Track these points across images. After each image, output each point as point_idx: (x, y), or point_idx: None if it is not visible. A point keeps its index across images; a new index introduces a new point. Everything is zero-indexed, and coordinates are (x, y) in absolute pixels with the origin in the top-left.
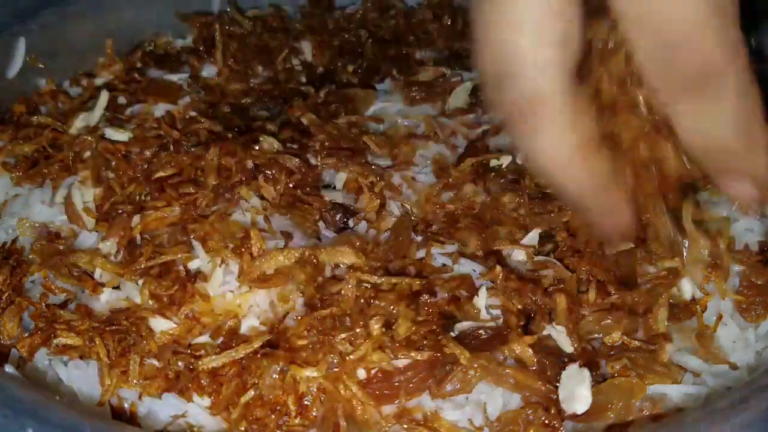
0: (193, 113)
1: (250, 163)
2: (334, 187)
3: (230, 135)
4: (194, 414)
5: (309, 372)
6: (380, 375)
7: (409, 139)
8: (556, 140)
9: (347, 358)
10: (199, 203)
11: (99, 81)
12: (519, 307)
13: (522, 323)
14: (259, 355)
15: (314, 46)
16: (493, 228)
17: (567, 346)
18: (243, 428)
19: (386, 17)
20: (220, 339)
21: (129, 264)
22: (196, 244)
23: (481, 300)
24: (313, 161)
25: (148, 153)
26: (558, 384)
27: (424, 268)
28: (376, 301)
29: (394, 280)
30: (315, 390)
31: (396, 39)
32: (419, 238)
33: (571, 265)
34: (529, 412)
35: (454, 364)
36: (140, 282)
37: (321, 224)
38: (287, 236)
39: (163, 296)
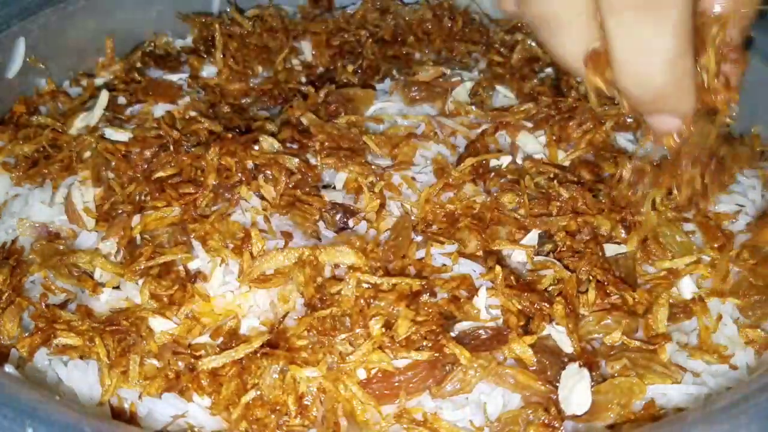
0: (193, 113)
1: (250, 163)
2: (334, 187)
3: (230, 135)
4: (194, 414)
5: (309, 372)
6: (380, 375)
7: (409, 139)
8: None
9: (347, 358)
10: (199, 203)
11: (99, 81)
12: (519, 307)
13: (522, 323)
14: (259, 355)
15: (314, 46)
16: (493, 228)
17: (567, 346)
18: (243, 428)
19: (386, 17)
20: (220, 339)
21: (129, 264)
22: (196, 244)
23: (481, 300)
24: (313, 161)
25: (148, 153)
26: (558, 384)
27: (424, 268)
28: (376, 302)
29: (394, 280)
30: (315, 390)
31: (396, 39)
32: (419, 238)
33: (571, 265)
34: (529, 412)
35: (454, 364)
36: (140, 282)
37: (321, 224)
38: (287, 236)
39: (163, 296)
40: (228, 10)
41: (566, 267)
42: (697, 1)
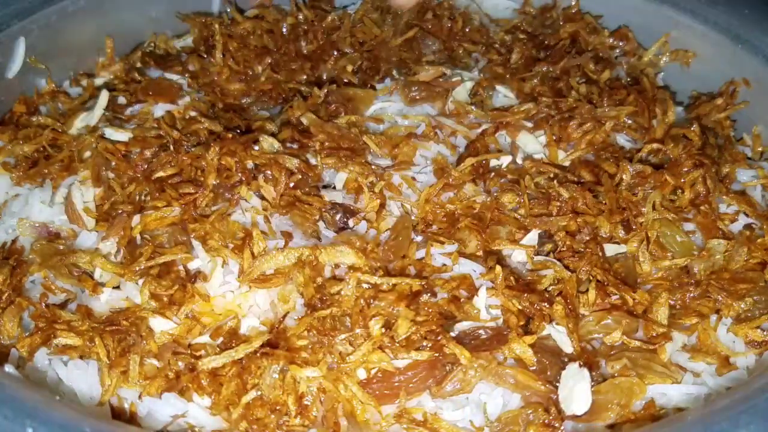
0: (193, 113)
1: (250, 163)
2: (334, 187)
3: (230, 135)
4: (194, 414)
5: (309, 372)
6: (380, 375)
7: (409, 139)
8: None
9: (347, 358)
10: (199, 203)
11: (99, 81)
12: (519, 307)
13: (522, 323)
14: (259, 355)
15: (314, 46)
16: (493, 228)
17: (567, 346)
18: (243, 428)
19: (386, 17)
20: (220, 339)
21: (129, 264)
22: (196, 244)
23: (481, 300)
24: (313, 161)
25: (148, 153)
26: (558, 384)
27: (424, 268)
28: (376, 302)
29: (394, 280)
30: (315, 390)
31: (396, 39)
32: (419, 238)
33: (571, 265)
34: (529, 412)
35: (454, 364)
36: (140, 282)
37: (321, 224)
38: (287, 236)
39: (163, 296)
40: (228, 10)
41: (566, 267)
42: None
